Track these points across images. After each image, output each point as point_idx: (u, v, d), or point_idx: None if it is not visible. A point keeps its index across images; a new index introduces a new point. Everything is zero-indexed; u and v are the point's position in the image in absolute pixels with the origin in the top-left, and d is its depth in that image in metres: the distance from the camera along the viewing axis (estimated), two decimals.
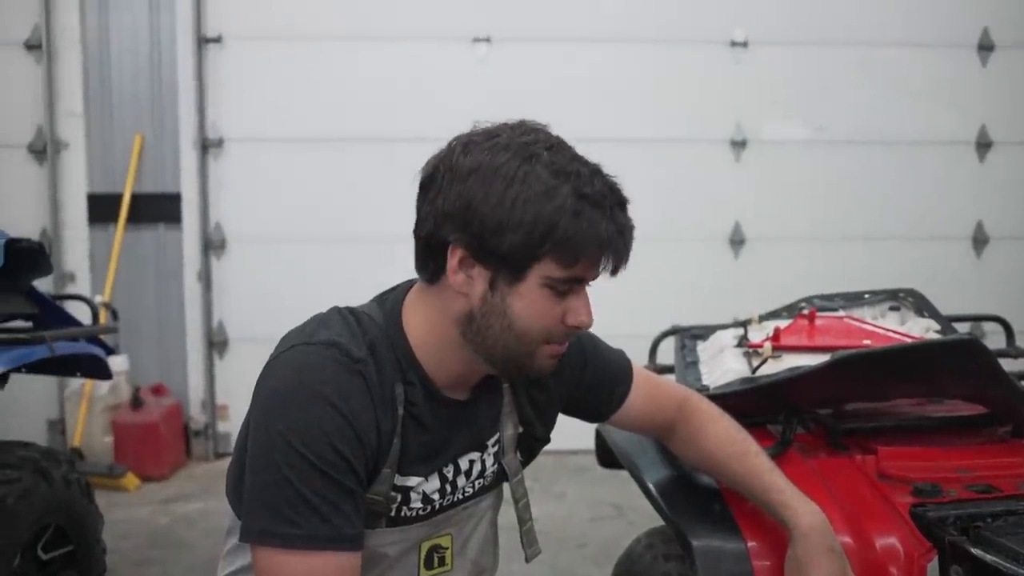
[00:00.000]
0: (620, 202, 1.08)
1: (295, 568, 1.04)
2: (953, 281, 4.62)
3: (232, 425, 4.63)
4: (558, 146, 1.10)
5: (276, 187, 4.54)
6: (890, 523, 1.36)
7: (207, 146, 4.52)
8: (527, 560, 1.34)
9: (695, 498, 1.47)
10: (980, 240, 4.83)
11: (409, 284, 1.23)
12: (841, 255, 4.66)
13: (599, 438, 1.90)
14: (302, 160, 4.53)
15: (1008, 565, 1.19)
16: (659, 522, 1.57)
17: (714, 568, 1.33)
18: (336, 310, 1.18)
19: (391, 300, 1.21)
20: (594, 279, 1.11)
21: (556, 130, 1.12)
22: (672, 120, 4.62)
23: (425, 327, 1.16)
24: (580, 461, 4.30)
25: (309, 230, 4.55)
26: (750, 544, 1.35)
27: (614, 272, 1.09)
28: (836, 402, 1.68)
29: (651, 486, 1.51)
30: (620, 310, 3.86)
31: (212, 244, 4.57)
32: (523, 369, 1.14)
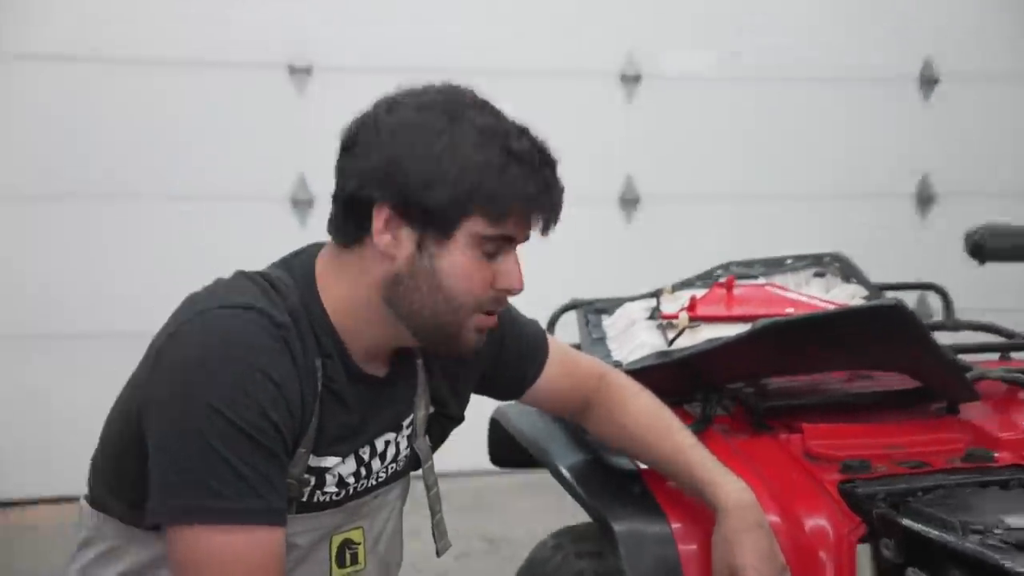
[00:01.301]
0: (548, 161, 1.45)
1: (230, 545, 1.32)
2: (893, 246, 5.11)
3: None
4: (485, 105, 1.45)
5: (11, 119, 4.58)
6: (818, 501, 1.76)
7: None
8: (438, 554, 1.70)
9: (614, 481, 1.85)
10: (925, 198, 5.39)
11: (316, 248, 1.55)
12: (759, 217, 5.12)
13: (493, 429, 2.27)
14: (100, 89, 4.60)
15: (939, 533, 1.55)
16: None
17: (638, 553, 1.70)
18: (243, 274, 1.49)
19: (300, 265, 1.52)
20: (524, 240, 1.47)
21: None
22: (546, 47, 4.97)
23: (342, 294, 1.48)
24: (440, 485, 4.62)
25: (59, 183, 4.60)
26: (675, 526, 1.74)
27: (544, 231, 1.45)
28: (758, 375, 2.11)
29: (564, 471, 1.88)
30: None
31: None
32: (451, 343, 1.48)
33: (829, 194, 5.27)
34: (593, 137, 5.03)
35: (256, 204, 4.66)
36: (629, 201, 5.16)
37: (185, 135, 4.65)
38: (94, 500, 1.56)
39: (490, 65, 4.87)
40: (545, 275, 4.55)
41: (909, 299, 2.48)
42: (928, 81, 5.37)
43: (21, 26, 4.52)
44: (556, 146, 4.64)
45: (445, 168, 1.39)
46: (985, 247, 1.96)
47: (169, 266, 4.43)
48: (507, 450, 2.22)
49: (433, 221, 1.42)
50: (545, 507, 3.16)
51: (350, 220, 1.47)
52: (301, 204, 4.68)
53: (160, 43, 4.60)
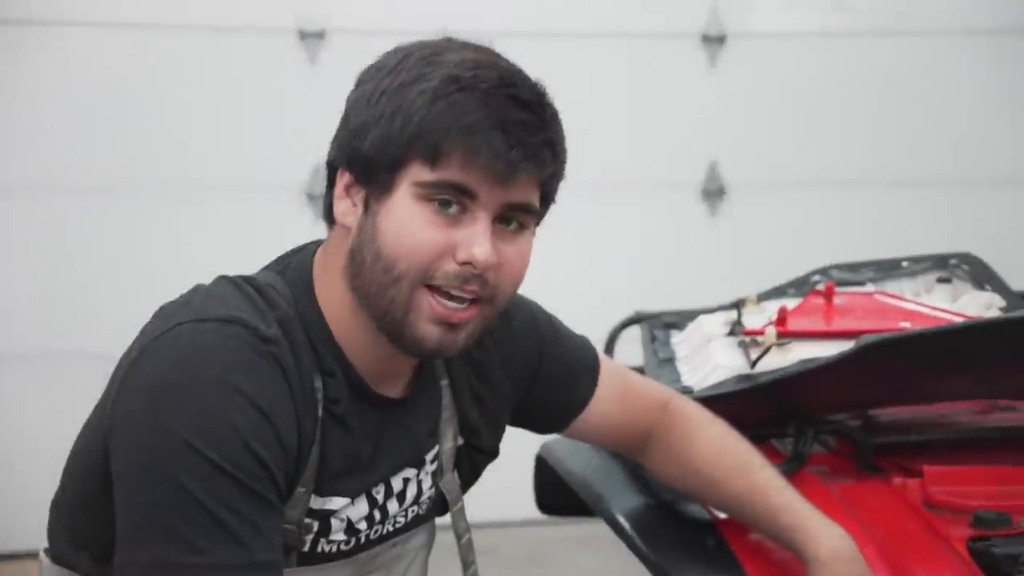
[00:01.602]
0: (516, 94, 1.40)
1: None
2: None
3: None
4: (465, 46, 1.45)
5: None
6: (942, 562, 1.72)
7: None
8: None
9: (682, 531, 1.84)
10: None
11: (316, 245, 1.55)
12: (873, 209, 5.05)
13: (540, 470, 2.25)
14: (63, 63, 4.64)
15: None
16: None
17: None
18: (226, 279, 1.49)
19: (295, 266, 1.53)
20: (493, 195, 1.40)
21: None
22: (610, 4, 4.96)
23: (336, 295, 1.48)
24: (480, 539, 4.58)
25: (52, 173, 4.66)
26: None
27: (505, 175, 1.38)
28: (866, 405, 2.08)
29: (622, 519, 1.88)
30: (536, 296, 4.22)
31: None
32: (400, 329, 1.43)
33: (960, 179, 5.18)
34: (668, 113, 5.03)
35: (265, 195, 4.69)
36: (712, 192, 5.12)
37: (178, 115, 4.70)
38: (56, 553, 1.56)
39: (540, 27, 4.91)
40: (607, 281, 4.65)
41: None
42: None
43: None
44: (623, 125, 4.68)
45: (380, 109, 1.41)
46: None
47: (161, 270, 4.45)
48: (556, 495, 2.21)
49: (372, 172, 1.43)
50: (611, 565, 3.13)
51: (327, 195, 1.51)
52: (317, 199, 4.69)
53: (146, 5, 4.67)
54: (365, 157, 1.43)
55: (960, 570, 1.71)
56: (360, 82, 1.47)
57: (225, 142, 4.66)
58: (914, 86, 5.14)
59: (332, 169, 1.49)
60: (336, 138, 1.48)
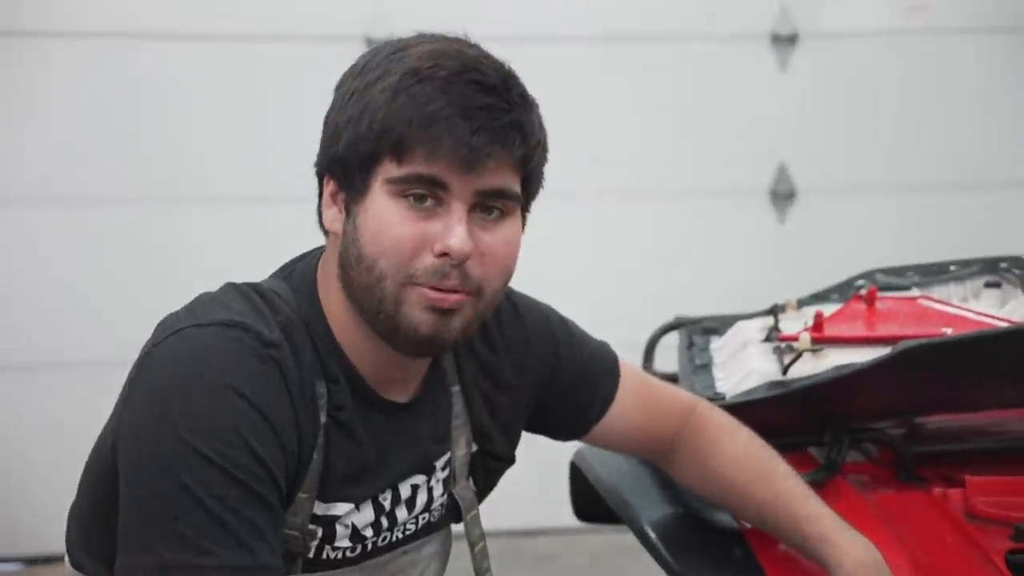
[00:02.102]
0: (477, 79, 1.40)
1: None
2: None
3: None
4: (446, 38, 1.47)
5: (23, 106, 4.73)
6: (979, 575, 1.70)
7: None
8: None
9: (708, 541, 1.83)
10: None
11: (320, 251, 1.57)
12: (946, 211, 4.99)
13: (575, 477, 2.25)
14: (76, 73, 4.73)
15: None
16: None
17: None
18: (232, 286, 1.51)
19: (299, 271, 1.55)
20: (464, 184, 1.40)
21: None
22: (675, 4, 4.95)
23: (337, 300, 1.50)
24: (543, 546, 4.67)
25: (84, 186, 4.74)
26: None
27: (471, 161, 1.38)
28: (904, 414, 2.06)
29: (648, 528, 1.86)
30: (601, 301, 4.22)
31: None
32: (393, 324, 1.44)
33: None
34: (736, 115, 5.01)
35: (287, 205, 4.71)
36: (782, 195, 5.10)
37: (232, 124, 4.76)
38: (73, 559, 1.59)
39: (607, 31, 4.93)
40: (674, 286, 4.63)
41: None
42: None
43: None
44: (692, 127, 4.64)
45: (349, 112, 1.43)
46: None
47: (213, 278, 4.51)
48: (590, 501, 2.21)
49: (349, 176, 1.45)
50: None
51: (319, 204, 1.53)
52: None
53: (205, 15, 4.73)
54: (341, 161, 1.45)
55: None
56: (337, 86, 1.49)
57: (246, 152, 4.71)
58: (988, 86, 5.08)
59: (320, 177, 1.51)
60: (319, 146, 1.50)
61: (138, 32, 4.69)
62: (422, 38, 1.47)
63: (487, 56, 1.46)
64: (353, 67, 1.48)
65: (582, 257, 4.83)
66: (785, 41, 5.02)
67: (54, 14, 4.68)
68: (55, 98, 4.72)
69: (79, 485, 1.57)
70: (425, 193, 1.41)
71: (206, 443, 1.35)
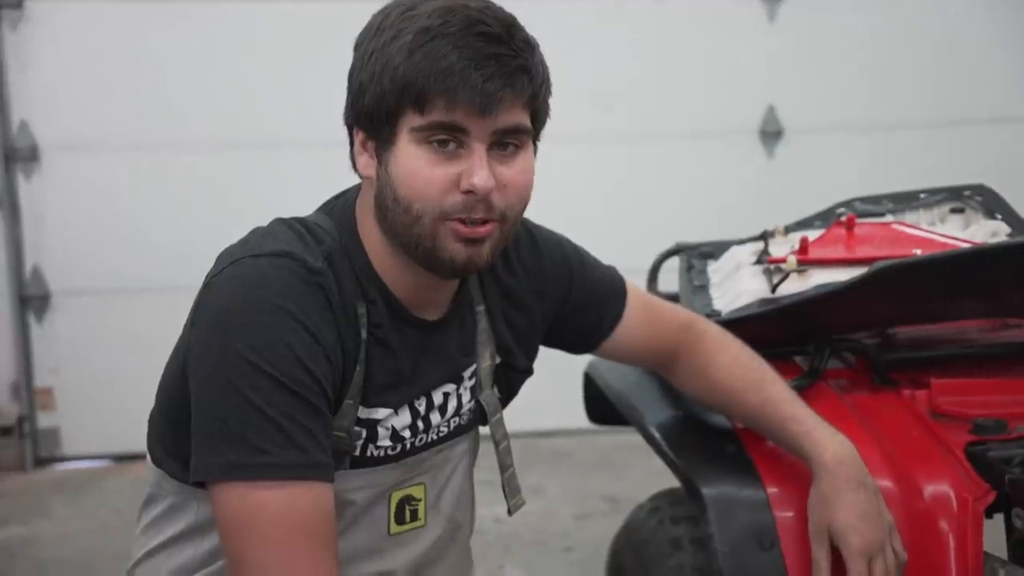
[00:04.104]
0: (484, 31, 1.40)
1: (273, 502, 1.35)
2: None
3: (61, 416, 4.92)
4: None
5: (114, 67, 4.75)
6: (941, 465, 1.71)
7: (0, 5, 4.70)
8: (509, 512, 1.72)
9: (705, 439, 1.85)
10: None
11: (358, 189, 1.57)
12: (918, 148, 5.02)
13: (588, 385, 2.26)
14: (156, 25, 4.74)
15: None
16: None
17: (728, 519, 1.69)
18: (280, 221, 1.52)
19: (340, 206, 1.56)
20: (482, 126, 1.40)
21: None
22: None
23: (374, 233, 1.51)
24: (558, 444, 4.73)
25: (170, 133, 4.80)
26: (771, 491, 1.72)
27: (486, 106, 1.38)
28: (878, 325, 2.06)
29: (653, 429, 1.89)
30: (612, 230, 4.23)
31: (17, 154, 4.78)
32: (434, 259, 1.45)
33: (1007, 118, 5.13)
34: (729, 62, 5.02)
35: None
36: (771, 134, 5.11)
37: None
38: (154, 458, 1.62)
39: None
40: (674, 217, 4.63)
41: None
42: None
43: None
44: (691, 75, 4.60)
45: (371, 69, 1.43)
46: None
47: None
48: (602, 407, 2.22)
49: (376, 128, 1.45)
50: None
51: (351, 152, 1.52)
52: None
53: None
54: (368, 114, 1.44)
55: (957, 472, 1.70)
56: (356, 46, 1.48)
57: (291, 103, 4.75)
58: (955, 36, 5.09)
59: (350, 128, 1.51)
60: (346, 101, 1.50)
61: None
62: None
63: (489, 7, 1.45)
64: (368, 26, 1.47)
65: (592, 192, 4.86)
66: None
67: None
68: (134, 59, 4.76)
69: (156, 395, 1.59)
70: (447, 138, 1.41)
71: (262, 358, 1.36)
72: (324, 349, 1.41)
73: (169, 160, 4.81)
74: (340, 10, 4.33)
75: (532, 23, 1.50)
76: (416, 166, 1.42)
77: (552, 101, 1.51)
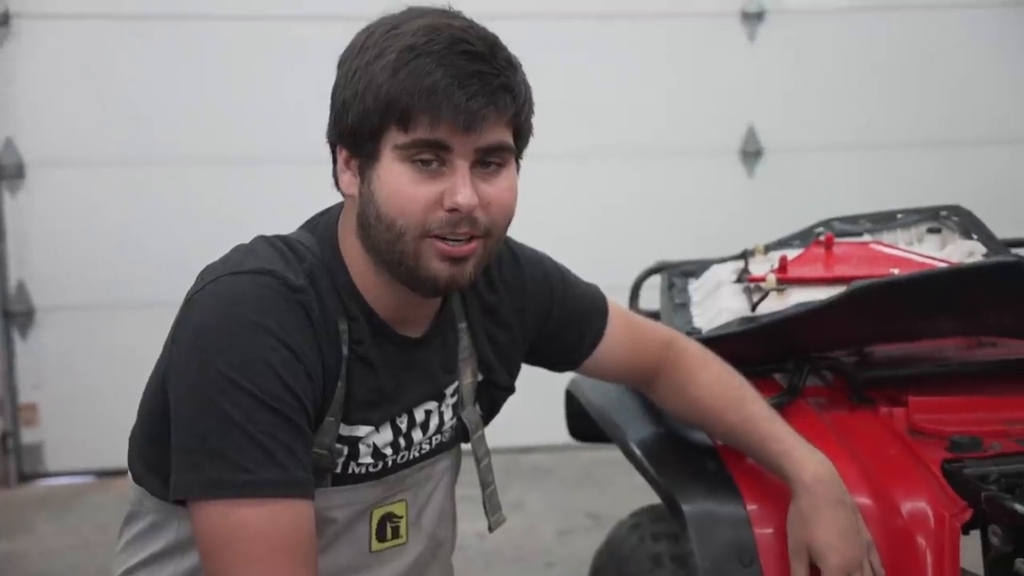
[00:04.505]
0: (468, 50, 1.40)
1: (253, 519, 1.34)
2: None
3: (45, 431, 4.91)
4: (435, 12, 1.45)
5: (100, 85, 4.76)
6: (918, 482, 1.72)
7: None
8: (491, 529, 1.72)
9: (687, 457, 1.84)
10: None
11: (340, 206, 1.57)
12: (898, 169, 5.05)
13: (570, 402, 2.26)
14: (140, 44, 4.76)
15: None
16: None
17: (709, 536, 1.68)
18: (262, 238, 1.52)
19: (323, 224, 1.55)
20: (465, 143, 1.40)
21: None
22: None
23: (355, 250, 1.50)
24: (539, 460, 4.74)
25: (153, 149, 4.80)
26: (751, 508, 1.72)
27: (469, 124, 1.39)
28: (856, 344, 2.07)
29: (634, 446, 1.88)
30: (594, 248, 4.24)
31: (2, 171, 4.78)
32: (416, 277, 1.45)
33: (983, 139, 5.18)
34: (711, 83, 5.05)
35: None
36: (751, 153, 5.14)
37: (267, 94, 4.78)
38: (134, 475, 1.61)
39: (603, 10, 4.94)
40: (656, 234, 4.64)
41: None
42: None
43: None
44: (672, 95, 4.61)
45: (355, 87, 1.43)
46: None
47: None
48: (584, 424, 2.22)
49: (360, 144, 1.45)
50: None
51: (334, 169, 1.52)
52: None
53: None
54: (352, 132, 1.44)
55: (934, 489, 1.70)
56: (339, 64, 1.48)
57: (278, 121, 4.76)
58: (930, 57, 5.14)
59: (333, 146, 1.51)
60: (329, 119, 1.49)
61: (197, 14, 4.76)
62: (412, 13, 1.46)
63: (472, 26, 1.45)
64: (352, 45, 1.47)
65: (574, 210, 4.88)
66: (753, 18, 5.07)
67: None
68: (120, 76, 4.77)
69: (138, 411, 1.59)
70: (431, 157, 1.41)
71: (242, 375, 1.36)
72: (304, 366, 1.41)
73: (153, 177, 4.81)
74: (320, 29, 4.38)
75: (516, 41, 1.50)
76: (399, 184, 1.42)
77: (535, 119, 1.51)
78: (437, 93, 1.38)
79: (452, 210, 1.41)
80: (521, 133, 1.48)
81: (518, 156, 1.51)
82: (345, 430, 1.51)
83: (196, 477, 1.37)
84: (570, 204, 4.84)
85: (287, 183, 4.54)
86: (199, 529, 1.38)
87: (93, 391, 4.79)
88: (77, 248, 4.81)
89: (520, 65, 1.47)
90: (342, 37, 1.53)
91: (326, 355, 1.45)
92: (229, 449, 1.35)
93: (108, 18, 4.73)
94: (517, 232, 1.64)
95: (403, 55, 1.39)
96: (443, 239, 1.43)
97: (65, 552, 4.09)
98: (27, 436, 4.92)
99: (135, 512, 1.62)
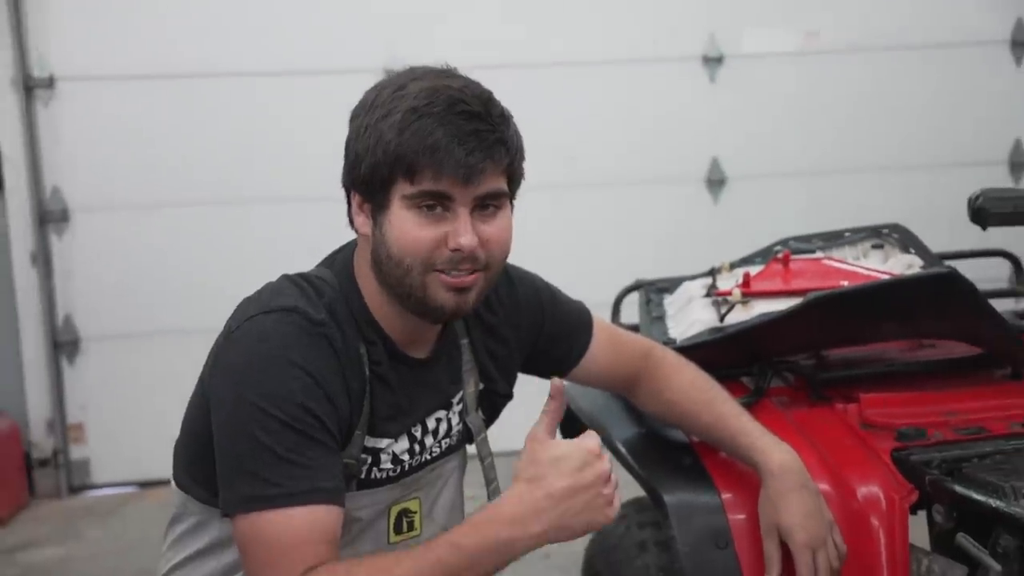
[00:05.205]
0: (465, 110, 1.43)
1: (277, 526, 1.38)
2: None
3: (91, 448, 4.92)
4: (427, 74, 1.48)
5: (133, 137, 4.79)
6: (870, 469, 1.75)
7: (31, 86, 4.75)
8: None
9: (666, 454, 1.87)
10: (1019, 163, 5.27)
11: (355, 243, 1.60)
12: (848, 192, 5.09)
13: None
14: (166, 101, 4.80)
15: (989, 500, 1.52)
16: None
17: (688, 523, 1.72)
18: (286, 277, 1.55)
19: (340, 260, 1.59)
20: (465, 193, 1.44)
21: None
22: (631, 35, 5.00)
23: (370, 283, 1.54)
24: None
25: (182, 192, 4.83)
26: (725, 496, 1.75)
27: (469, 177, 1.43)
28: (812, 348, 2.09)
29: (619, 444, 1.91)
30: (579, 269, 4.27)
31: (49, 216, 4.82)
32: (425, 306, 1.49)
33: (914, 165, 5.22)
34: (676, 120, 5.08)
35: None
36: (715, 182, 5.17)
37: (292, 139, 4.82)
38: (180, 484, 1.64)
39: (574, 58, 4.97)
40: (628, 257, 4.67)
41: (982, 266, 2.43)
42: (1020, 44, 5.23)
43: (147, 47, 4.78)
44: (642, 131, 4.62)
45: (366, 142, 1.46)
46: (987, 212, 1.90)
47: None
48: (573, 427, 2.23)
49: (371, 193, 1.49)
50: None
51: (348, 211, 1.56)
52: None
53: (261, 57, 4.82)
54: (364, 181, 1.48)
55: (884, 475, 1.73)
56: (352, 119, 1.52)
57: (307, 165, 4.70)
58: (867, 93, 5.19)
59: (347, 191, 1.54)
60: (344, 167, 1.53)
61: (226, 72, 4.81)
62: (414, 74, 1.50)
63: (468, 85, 1.48)
64: (363, 102, 1.51)
65: (559, 235, 4.90)
66: (714, 61, 5.11)
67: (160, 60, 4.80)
68: (153, 128, 4.82)
69: (182, 426, 1.62)
70: (435, 203, 1.45)
71: (270, 404, 1.41)
72: (325, 391, 1.45)
73: (184, 217, 4.84)
74: (333, 83, 4.45)
75: (502, 88, 1.54)
76: (407, 227, 1.45)
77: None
78: (439, 150, 1.42)
79: (455, 250, 1.45)
80: (514, 178, 1.52)
81: (512, 198, 1.54)
82: (369, 442, 1.54)
83: (234, 494, 1.42)
84: (555, 229, 4.85)
85: (304, 220, 4.57)
86: (240, 537, 1.43)
87: (133, 410, 4.84)
88: (117, 283, 4.85)
89: (511, 117, 1.50)
90: (346, 90, 1.56)
91: (349, 378, 1.49)
92: (261, 468, 1.40)
93: (141, 78, 4.77)
94: (511, 256, 1.65)
95: (407, 116, 1.43)
96: (447, 272, 1.47)
97: (110, 555, 4.10)
98: (75, 452, 4.94)
99: (179, 514, 1.65)
